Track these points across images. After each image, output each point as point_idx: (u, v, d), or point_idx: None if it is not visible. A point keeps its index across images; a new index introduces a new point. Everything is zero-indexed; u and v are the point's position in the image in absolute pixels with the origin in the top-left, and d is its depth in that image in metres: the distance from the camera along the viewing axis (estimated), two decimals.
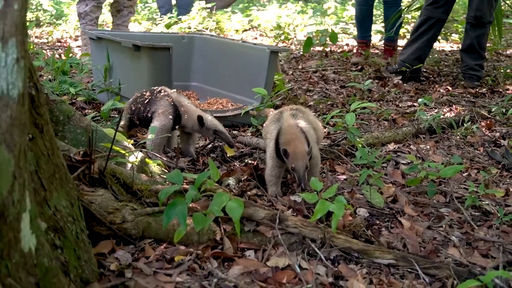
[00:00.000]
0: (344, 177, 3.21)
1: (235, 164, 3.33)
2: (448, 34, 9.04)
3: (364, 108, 4.41)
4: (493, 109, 4.76)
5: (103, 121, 3.89)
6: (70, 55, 5.76)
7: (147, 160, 2.71)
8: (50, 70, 5.29)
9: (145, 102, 3.42)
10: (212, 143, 3.63)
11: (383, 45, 7.37)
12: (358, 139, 3.51)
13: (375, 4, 7.15)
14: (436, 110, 4.82)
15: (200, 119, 3.29)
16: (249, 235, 2.28)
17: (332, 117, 3.87)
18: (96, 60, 4.75)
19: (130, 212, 2.15)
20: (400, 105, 5.10)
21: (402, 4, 6.93)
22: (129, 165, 2.50)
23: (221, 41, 5.17)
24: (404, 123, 4.46)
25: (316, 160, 2.92)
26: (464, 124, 4.29)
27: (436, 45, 8.17)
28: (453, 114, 4.68)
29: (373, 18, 7.43)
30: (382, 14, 7.32)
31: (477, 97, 5.45)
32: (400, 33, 7.82)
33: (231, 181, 2.88)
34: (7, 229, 1.32)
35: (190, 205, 2.10)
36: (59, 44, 8.49)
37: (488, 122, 4.45)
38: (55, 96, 2.65)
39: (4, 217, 1.30)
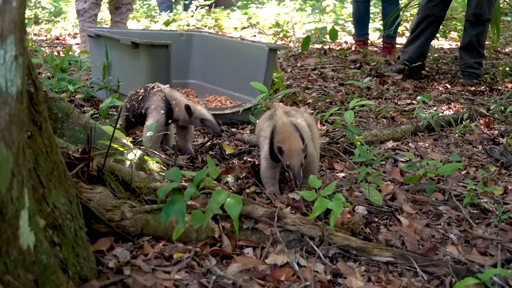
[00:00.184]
0: (343, 174, 3.21)
1: (234, 161, 3.33)
2: (447, 32, 9.04)
3: (363, 106, 4.41)
4: (491, 107, 4.76)
5: (101, 119, 3.88)
6: (69, 52, 5.76)
7: (145, 157, 2.71)
8: (48, 67, 5.29)
9: (139, 99, 3.44)
10: (211, 141, 3.63)
11: (381, 43, 7.37)
12: (356, 137, 3.51)
13: (374, 2, 7.15)
14: (434, 108, 4.83)
15: (187, 108, 3.31)
16: (247, 233, 2.28)
17: (330, 115, 3.88)
18: (94, 57, 4.74)
19: (128, 209, 2.15)
20: (398, 103, 5.10)
21: (400, 1, 6.93)
22: (128, 162, 2.50)
23: (219, 39, 5.17)
24: (403, 121, 4.46)
25: (312, 158, 2.91)
26: (463, 122, 4.29)
27: (435, 43, 8.18)
28: (452, 112, 4.68)
29: (372, 15, 7.43)
30: (381, 12, 7.32)
31: (476, 95, 5.45)
32: (398, 30, 7.82)
33: (230, 178, 2.88)
34: (6, 226, 1.32)
35: (189, 202, 2.10)
36: (58, 41, 8.48)
37: (486, 120, 4.45)
38: (53, 94, 2.65)
39: (2, 214, 1.30)
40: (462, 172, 3.35)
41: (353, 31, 7.71)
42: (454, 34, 9.11)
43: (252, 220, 2.31)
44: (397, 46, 7.35)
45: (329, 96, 5.20)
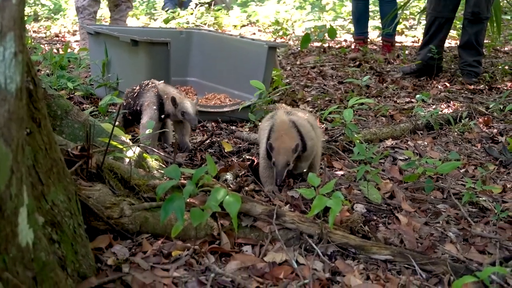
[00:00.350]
0: (342, 173, 3.21)
1: (233, 159, 3.33)
2: None
3: (362, 104, 4.40)
4: (490, 106, 4.76)
5: (101, 116, 3.88)
6: (68, 50, 5.76)
7: (144, 155, 2.71)
8: (48, 64, 5.28)
9: (135, 96, 3.47)
10: (210, 139, 3.63)
11: (381, 41, 7.37)
12: (355, 135, 3.51)
13: (373, 0, 7.15)
14: (434, 106, 4.83)
15: (173, 100, 3.32)
16: (246, 231, 2.28)
17: (330, 113, 3.88)
18: (94, 54, 4.74)
19: (127, 207, 2.15)
20: (398, 101, 5.10)
21: (398, 0, 6.93)
22: (127, 160, 2.50)
23: (219, 37, 5.17)
24: (402, 119, 4.46)
25: (308, 153, 2.90)
26: (462, 120, 4.29)
27: None
28: (451, 111, 4.68)
29: (371, 14, 7.43)
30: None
31: (475, 93, 5.45)
32: (398, 29, 7.82)
33: (229, 176, 2.88)
34: (5, 223, 1.32)
35: (188, 200, 2.10)
36: (57, 38, 8.48)
37: (485, 118, 4.45)
38: (53, 91, 2.65)
39: (1, 211, 1.30)
40: (461, 171, 3.36)
41: (352, 29, 7.71)
42: (453, 33, 9.10)
43: (251, 218, 2.31)
44: (396, 44, 7.35)
45: (328, 94, 5.20)
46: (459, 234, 2.52)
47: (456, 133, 4.12)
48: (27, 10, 10.29)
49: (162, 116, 3.38)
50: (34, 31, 8.99)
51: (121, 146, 2.53)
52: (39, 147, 1.65)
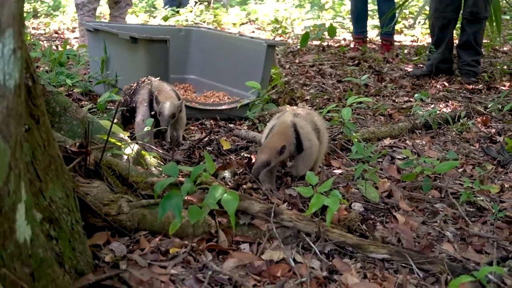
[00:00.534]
0: (340, 171, 3.22)
1: (231, 157, 3.34)
2: None
3: (361, 103, 4.41)
4: (489, 105, 4.77)
5: (99, 113, 3.88)
6: (68, 46, 5.75)
7: (143, 152, 2.71)
8: (47, 61, 5.28)
9: (131, 93, 3.46)
10: (208, 136, 3.63)
11: (380, 40, 7.37)
12: (354, 134, 3.52)
13: None
14: (432, 106, 4.83)
15: (155, 98, 3.33)
16: (244, 228, 2.29)
17: (328, 112, 3.88)
18: (93, 51, 4.74)
19: (125, 204, 2.15)
20: (396, 100, 5.10)
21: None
22: (125, 157, 2.50)
23: (218, 35, 5.17)
24: (400, 118, 4.46)
25: (305, 154, 2.89)
26: (460, 120, 4.30)
27: None
28: (449, 110, 4.68)
29: (370, 13, 7.43)
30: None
31: (474, 93, 5.46)
32: (396, 28, 7.82)
33: (227, 174, 2.88)
34: (2, 219, 1.32)
35: (186, 197, 2.10)
36: (56, 35, 8.47)
37: (484, 118, 4.46)
38: (51, 88, 2.65)
39: None
40: (459, 170, 3.36)
41: (351, 28, 7.71)
42: None
43: (248, 216, 2.31)
44: (395, 43, 7.34)
45: (327, 92, 5.21)
46: (456, 234, 2.52)
47: (454, 133, 4.13)
48: (27, 7, 10.28)
49: (152, 113, 3.36)
50: (33, 28, 8.98)
51: (119, 143, 2.53)
52: (38, 144, 1.65)
